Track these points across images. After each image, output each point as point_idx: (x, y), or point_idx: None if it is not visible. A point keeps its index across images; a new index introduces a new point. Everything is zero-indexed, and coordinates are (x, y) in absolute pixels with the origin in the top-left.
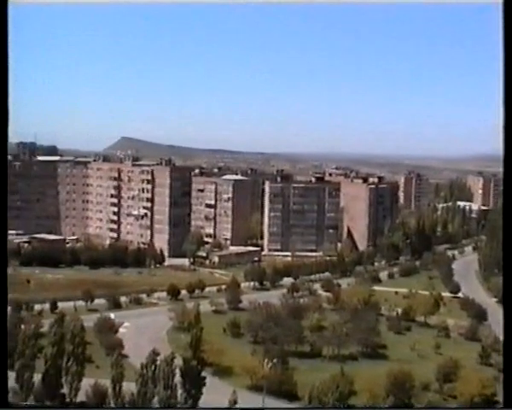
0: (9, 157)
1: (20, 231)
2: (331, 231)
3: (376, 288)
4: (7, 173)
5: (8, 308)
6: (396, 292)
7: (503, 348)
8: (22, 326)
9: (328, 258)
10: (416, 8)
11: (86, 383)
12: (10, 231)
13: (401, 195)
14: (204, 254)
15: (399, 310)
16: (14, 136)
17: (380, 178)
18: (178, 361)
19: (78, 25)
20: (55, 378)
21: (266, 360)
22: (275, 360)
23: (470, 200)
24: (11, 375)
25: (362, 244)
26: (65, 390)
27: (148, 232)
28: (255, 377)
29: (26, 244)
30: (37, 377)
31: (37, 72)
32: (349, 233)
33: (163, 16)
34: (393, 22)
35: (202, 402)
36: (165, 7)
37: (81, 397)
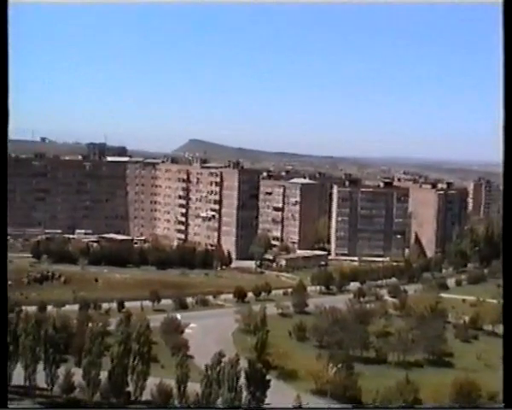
0: (79, 157)
1: (89, 231)
2: (399, 236)
3: (443, 295)
4: (7, 173)
5: (77, 306)
6: (463, 300)
7: (503, 347)
8: (90, 324)
9: (395, 263)
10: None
11: (151, 382)
12: (79, 231)
13: (470, 201)
14: (271, 257)
15: (467, 318)
16: (87, 136)
17: (449, 184)
18: (243, 363)
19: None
20: (121, 377)
21: (331, 365)
22: (340, 365)
23: None
24: (78, 372)
25: (430, 250)
26: (130, 389)
27: (216, 234)
28: (320, 382)
29: (94, 244)
30: (103, 375)
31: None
32: (417, 239)
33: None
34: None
35: (266, 405)
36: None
37: (146, 396)
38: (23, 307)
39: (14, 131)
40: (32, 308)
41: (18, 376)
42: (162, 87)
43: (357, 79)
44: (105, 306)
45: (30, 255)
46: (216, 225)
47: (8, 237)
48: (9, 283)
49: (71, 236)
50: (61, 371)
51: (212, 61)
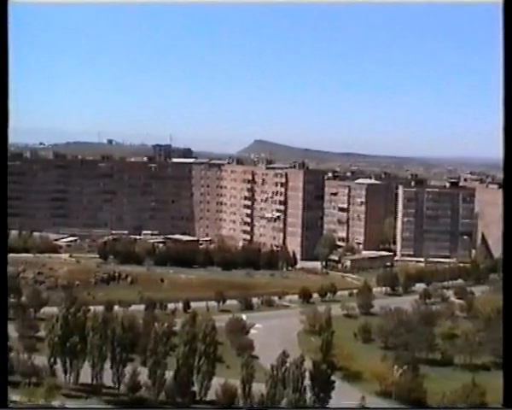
0: (145, 159)
1: (155, 232)
2: (465, 237)
3: None
4: (7, 173)
5: (142, 306)
6: None
7: (503, 348)
8: (155, 324)
9: (461, 265)
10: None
11: (216, 382)
12: (145, 231)
13: None
14: (336, 258)
15: None
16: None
17: None
18: (308, 364)
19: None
20: (187, 376)
21: (396, 367)
22: (405, 367)
23: None
24: (144, 371)
25: (497, 251)
26: (195, 388)
27: (281, 235)
28: (384, 384)
29: (160, 244)
30: (168, 375)
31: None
32: (483, 240)
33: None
34: None
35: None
36: None
37: (211, 396)
38: (90, 307)
39: (82, 134)
40: (99, 308)
41: (85, 374)
42: (227, 88)
43: (423, 79)
44: (171, 306)
45: (97, 256)
46: (281, 225)
47: (76, 238)
48: (77, 283)
49: (137, 236)
50: (128, 370)
51: (279, 60)
